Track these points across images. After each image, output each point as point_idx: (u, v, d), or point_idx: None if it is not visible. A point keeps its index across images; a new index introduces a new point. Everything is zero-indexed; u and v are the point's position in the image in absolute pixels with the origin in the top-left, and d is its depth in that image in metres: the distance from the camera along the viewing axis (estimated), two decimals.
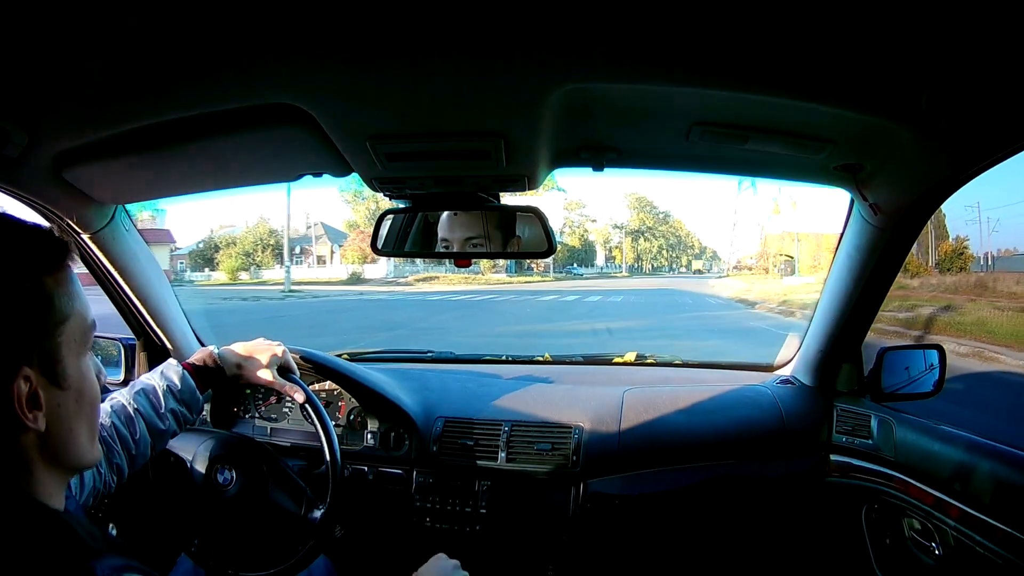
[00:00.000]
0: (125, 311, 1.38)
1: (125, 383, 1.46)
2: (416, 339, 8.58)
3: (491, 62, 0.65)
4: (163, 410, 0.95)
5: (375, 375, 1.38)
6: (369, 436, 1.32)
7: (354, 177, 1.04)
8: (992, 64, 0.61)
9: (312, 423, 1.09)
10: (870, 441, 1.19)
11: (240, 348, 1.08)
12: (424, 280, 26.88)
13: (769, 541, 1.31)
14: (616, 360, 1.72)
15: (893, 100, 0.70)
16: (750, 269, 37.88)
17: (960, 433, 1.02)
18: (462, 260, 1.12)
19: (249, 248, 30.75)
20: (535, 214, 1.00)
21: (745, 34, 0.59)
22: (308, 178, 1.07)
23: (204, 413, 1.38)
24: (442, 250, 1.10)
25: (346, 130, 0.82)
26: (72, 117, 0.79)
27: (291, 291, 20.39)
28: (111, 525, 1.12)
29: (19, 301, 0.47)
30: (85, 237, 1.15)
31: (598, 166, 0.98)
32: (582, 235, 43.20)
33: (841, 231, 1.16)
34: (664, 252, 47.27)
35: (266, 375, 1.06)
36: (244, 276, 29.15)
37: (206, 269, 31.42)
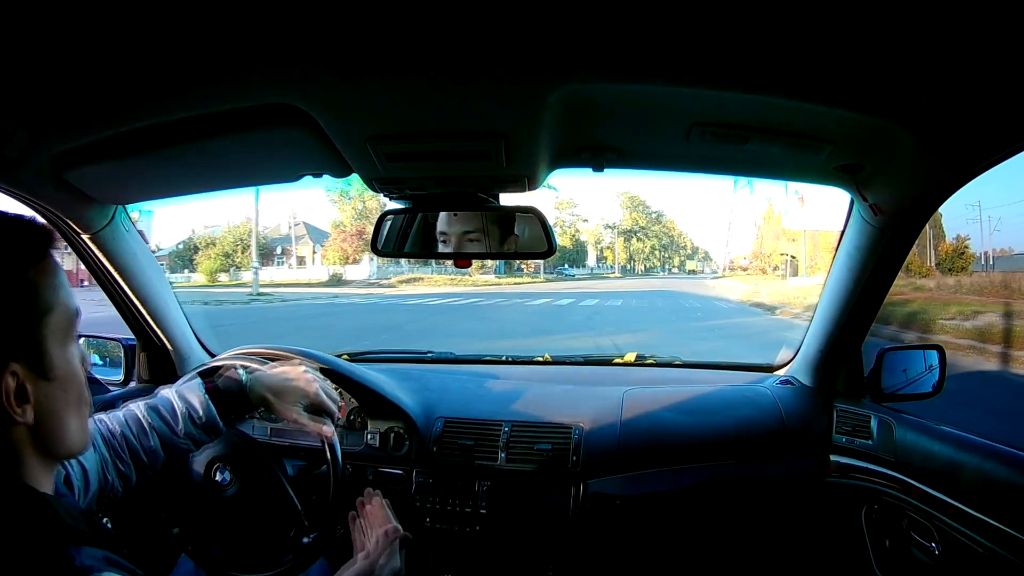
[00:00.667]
0: (125, 311, 1.38)
1: (125, 383, 1.47)
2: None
3: (491, 63, 0.65)
4: (180, 434, 0.90)
5: (375, 375, 1.38)
6: (369, 436, 1.32)
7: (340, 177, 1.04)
8: (992, 64, 0.61)
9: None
10: (870, 441, 1.19)
11: (272, 378, 0.99)
12: (408, 282, 25.59)
13: (769, 541, 1.31)
14: (616, 360, 1.72)
15: (893, 101, 0.71)
16: (745, 270, 37.50)
17: (960, 434, 1.02)
18: (462, 260, 1.12)
19: (228, 249, 29.59)
20: (535, 214, 1.00)
21: (745, 35, 0.59)
22: (303, 178, 1.07)
23: None
24: (442, 251, 1.10)
25: (346, 131, 0.83)
26: (72, 117, 0.79)
27: (259, 294, 18.71)
28: (106, 519, 1.11)
29: (4, 297, 0.47)
30: (85, 238, 1.15)
31: (598, 166, 0.98)
32: (573, 235, 42.65)
33: (841, 231, 1.16)
34: (657, 252, 46.83)
35: (296, 414, 0.98)
36: (224, 277, 28.03)
37: (185, 271, 30.33)
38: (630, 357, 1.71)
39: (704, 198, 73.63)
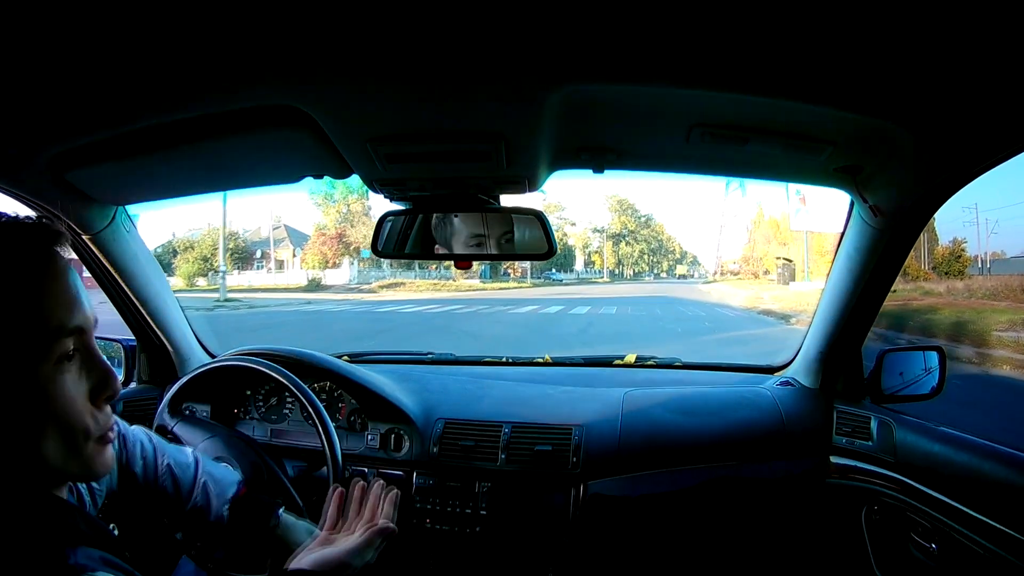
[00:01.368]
0: (125, 312, 1.38)
1: (126, 384, 1.47)
2: None
3: (491, 64, 0.65)
4: (186, 502, 0.92)
5: (375, 376, 1.38)
6: (369, 437, 1.32)
7: (324, 180, 1.05)
8: (991, 66, 0.61)
9: (316, 431, 1.09)
10: (870, 443, 1.19)
11: (316, 556, 0.76)
12: (389, 287, 24.44)
13: (769, 542, 1.31)
14: (616, 362, 1.72)
15: (893, 102, 0.71)
16: (735, 274, 37.12)
17: (960, 434, 1.02)
18: (463, 262, 1.12)
19: (207, 252, 28.52)
20: (535, 215, 1.00)
21: (745, 36, 0.60)
22: (304, 179, 1.07)
23: (206, 412, 1.38)
24: (442, 252, 1.10)
25: (346, 132, 0.83)
26: (73, 118, 0.79)
27: (226, 300, 17.73)
28: (112, 525, 1.12)
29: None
30: (86, 238, 1.15)
31: (598, 167, 0.98)
32: (561, 239, 41.19)
33: (841, 232, 1.16)
34: (645, 257, 46.30)
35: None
36: (202, 282, 27.24)
37: (164, 275, 29.73)
38: (630, 358, 1.71)
39: (694, 202, 72.80)
